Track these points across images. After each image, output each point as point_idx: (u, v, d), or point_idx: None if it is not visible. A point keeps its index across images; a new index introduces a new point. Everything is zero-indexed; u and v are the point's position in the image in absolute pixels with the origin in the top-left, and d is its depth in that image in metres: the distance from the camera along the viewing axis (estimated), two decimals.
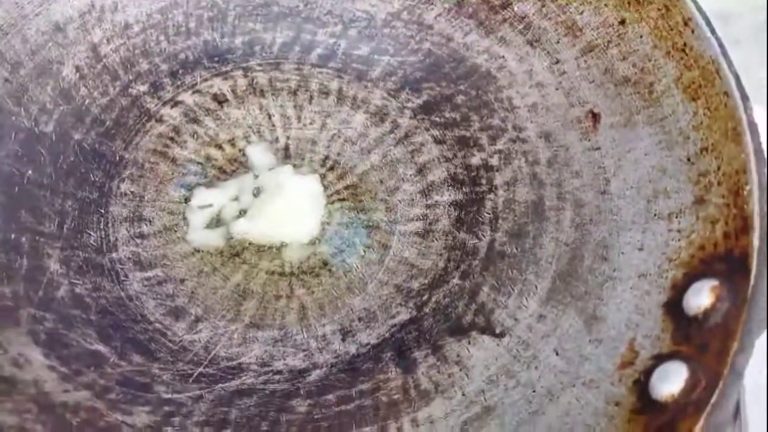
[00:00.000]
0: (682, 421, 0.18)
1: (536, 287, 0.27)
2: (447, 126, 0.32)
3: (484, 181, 0.31)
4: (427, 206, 0.31)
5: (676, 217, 0.24)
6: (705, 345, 0.20)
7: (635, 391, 0.21)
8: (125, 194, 0.29)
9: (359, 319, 0.28)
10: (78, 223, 0.28)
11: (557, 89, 0.31)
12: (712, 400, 0.18)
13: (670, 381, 0.19)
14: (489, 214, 0.30)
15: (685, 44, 0.26)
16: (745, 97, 0.24)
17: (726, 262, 0.21)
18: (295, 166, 0.31)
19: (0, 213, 0.27)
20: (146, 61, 0.32)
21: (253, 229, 0.29)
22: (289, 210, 0.29)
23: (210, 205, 0.29)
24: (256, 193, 0.30)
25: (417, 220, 0.30)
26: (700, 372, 0.19)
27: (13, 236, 0.26)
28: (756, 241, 0.21)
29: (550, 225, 0.28)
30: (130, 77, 0.31)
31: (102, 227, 0.28)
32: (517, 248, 0.28)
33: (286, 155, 0.31)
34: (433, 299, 0.28)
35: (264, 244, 0.29)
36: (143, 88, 0.31)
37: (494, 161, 0.31)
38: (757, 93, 0.47)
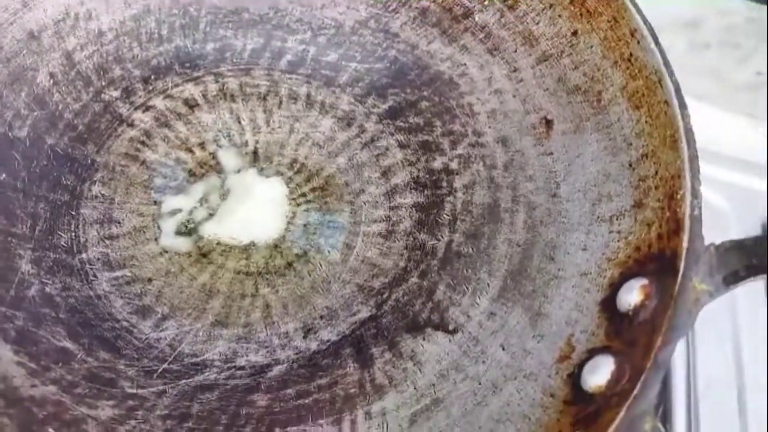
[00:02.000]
0: (606, 411, 0.19)
1: (489, 286, 0.28)
2: (411, 131, 0.33)
3: (444, 184, 0.32)
4: (391, 208, 0.32)
5: (617, 220, 0.25)
6: (633, 340, 0.21)
7: (569, 383, 0.22)
8: (96, 197, 0.30)
9: (321, 317, 0.29)
10: (49, 225, 0.29)
11: (514, 96, 0.32)
12: (635, 392, 0.19)
13: (599, 374, 0.21)
14: (448, 216, 0.31)
15: (631, 54, 0.28)
16: (683, 106, 0.25)
17: (657, 262, 0.23)
18: (262, 169, 0.32)
19: None
20: (119, 67, 0.33)
21: (221, 230, 0.30)
22: (254, 211, 0.30)
23: (180, 210, 0.31)
24: (224, 196, 0.31)
25: (380, 221, 0.31)
26: (626, 365, 0.20)
27: None
28: (685, 243, 0.22)
29: (504, 226, 0.30)
30: (103, 83, 0.32)
31: (73, 229, 0.29)
32: (472, 248, 0.30)
33: (254, 158, 0.32)
34: (393, 297, 0.29)
35: (232, 244, 0.30)
36: (116, 93, 0.32)
37: (454, 165, 0.32)
38: (728, 96, 0.48)
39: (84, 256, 0.29)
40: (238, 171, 0.32)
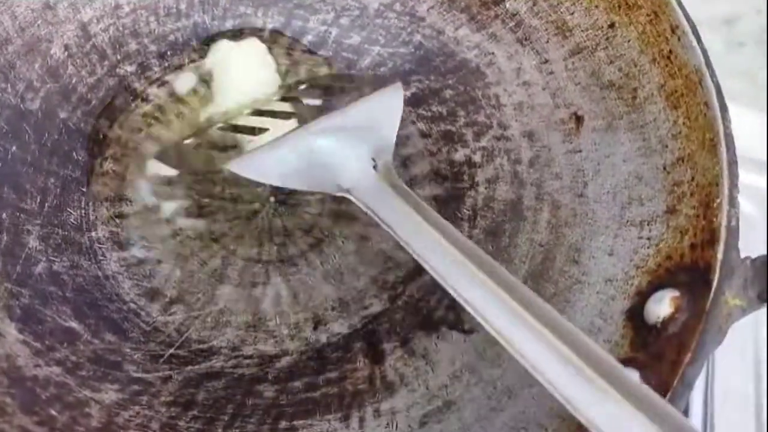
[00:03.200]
0: None
1: None
2: (433, 120, 0.32)
3: (466, 177, 0.31)
4: None
5: (648, 225, 0.24)
6: (660, 354, 0.20)
7: None
8: (107, 173, 0.29)
9: (332, 309, 0.28)
10: (59, 201, 0.28)
11: (544, 89, 0.31)
12: None
13: None
14: (468, 210, 0.30)
15: (670, 52, 0.26)
16: (724, 108, 0.24)
17: (689, 274, 0.21)
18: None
19: None
20: (135, 42, 0.32)
21: (224, 105, 0.31)
22: (244, 72, 0.31)
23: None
24: (209, 78, 0.32)
25: None
26: (652, 380, 0.19)
27: None
28: (720, 255, 0.21)
29: (526, 225, 0.29)
30: (119, 57, 0.31)
31: (83, 206, 0.28)
32: (492, 246, 0.29)
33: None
34: (407, 292, 0.28)
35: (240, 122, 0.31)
36: (131, 68, 0.31)
37: (477, 158, 0.31)
38: (760, 96, 0.46)
39: (93, 234, 0.28)
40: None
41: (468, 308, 0.21)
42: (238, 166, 0.26)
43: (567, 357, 0.18)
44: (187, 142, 0.30)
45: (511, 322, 0.19)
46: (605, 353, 0.18)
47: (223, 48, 0.32)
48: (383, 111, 0.28)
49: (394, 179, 0.25)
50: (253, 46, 0.32)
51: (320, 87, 0.32)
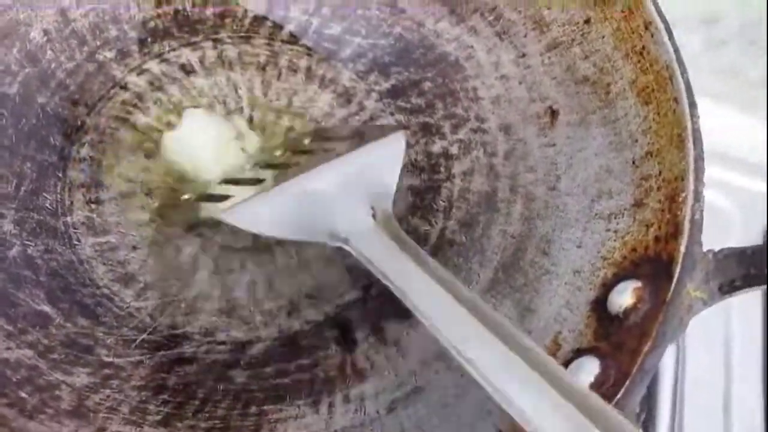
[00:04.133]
0: None
1: (479, 276, 0.27)
2: (412, 112, 0.33)
3: (442, 169, 0.31)
4: None
5: (615, 218, 0.25)
6: (621, 343, 0.20)
7: None
8: (84, 159, 0.29)
9: (307, 297, 0.28)
10: (35, 185, 0.28)
11: (521, 83, 0.31)
12: (618, 397, 0.19)
13: (582, 375, 0.20)
14: (444, 202, 0.30)
15: (643, 48, 0.27)
16: (692, 105, 0.24)
17: (653, 265, 0.22)
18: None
19: None
20: (115, 28, 0.32)
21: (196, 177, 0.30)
22: (211, 150, 0.30)
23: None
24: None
25: None
26: (611, 369, 0.20)
27: None
28: (683, 248, 0.21)
29: (500, 216, 0.29)
30: (98, 43, 0.31)
31: (59, 191, 0.29)
32: (466, 237, 0.29)
33: (249, 128, 0.32)
34: (381, 281, 0.29)
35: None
36: (110, 54, 0.31)
37: (454, 150, 0.31)
38: (742, 94, 0.47)
39: (68, 219, 0.28)
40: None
41: (473, 372, 0.19)
42: (230, 217, 0.25)
43: None
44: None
45: (531, 396, 0.17)
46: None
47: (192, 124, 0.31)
48: (384, 158, 0.27)
49: (394, 228, 0.24)
50: (221, 125, 0.31)
51: (299, 153, 0.29)
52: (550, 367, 0.18)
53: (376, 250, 0.23)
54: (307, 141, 0.30)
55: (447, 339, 0.20)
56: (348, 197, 0.25)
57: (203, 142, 0.30)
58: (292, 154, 0.30)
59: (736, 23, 0.48)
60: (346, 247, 0.24)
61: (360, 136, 0.28)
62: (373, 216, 0.24)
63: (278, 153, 0.30)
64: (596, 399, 0.16)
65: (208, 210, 0.28)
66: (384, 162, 0.27)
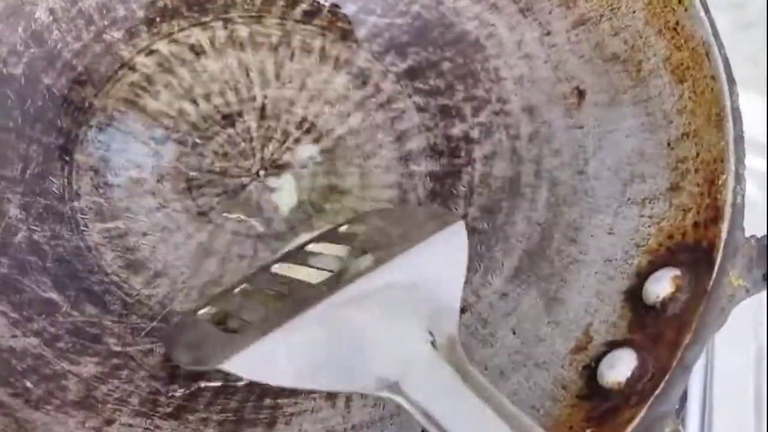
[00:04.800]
0: (624, 409, 0.18)
1: (502, 265, 0.26)
2: (431, 94, 0.31)
3: (463, 154, 0.30)
4: (403, 175, 0.30)
5: (650, 203, 0.23)
6: (659, 335, 0.19)
7: (583, 376, 0.20)
8: (92, 142, 0.28)
9: None
10: (41, 169, 0.27)
11: (545, 62, 0.29)
12: (657, 392, 0.17)
13: (619, 369, 0.19)
14: (464, 187, 0.29)
15: (677, 23, 0.25)
16: (731, 82, 0.23)
17: (692, 253, 0.21)
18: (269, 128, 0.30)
19: None
20: (123, 7, 0.31)
21: None
22: None
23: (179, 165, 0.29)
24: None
25: (391, 188, 0.29)
26: (650, 362, 0.18)
27: None
28: (724, 233, 0.20)
29: (524, 202, 0.28)
30: (106, 23, 0.30)
31: (66, 175, 0.28)
32: (488, 224, 0.28)
33: (262, 115, 0.31)
34: None
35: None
36: (118, 34, 0.30)
37: (475, 133, 0.30)
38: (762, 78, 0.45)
39: (76, 204, 0.27)
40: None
41: None
42: (235, 365, 0.17)
43: None
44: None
45: None
46: None
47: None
48: (442, 263, 0.20)
49: (462, 361, 0.18)
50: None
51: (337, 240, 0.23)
52: None
53: (439, 394, 0.17)
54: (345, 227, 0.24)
55: None
56: (397, 324, 0.19)
57: None
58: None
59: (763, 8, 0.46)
60: (398, 399, 0.18)
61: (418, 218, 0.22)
62: (433, 344, 0.18)
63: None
64: None
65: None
66: (441, 269, 0.20)
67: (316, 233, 0.24)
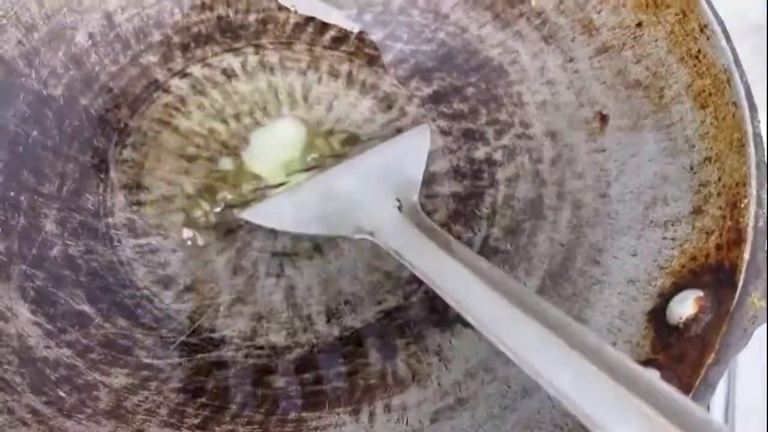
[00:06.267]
0: None
1: (525, 284, 0.26)
2: (454, 117, 0.32)
3: (485, 176, 0.30)
4: (427, 196, 0.30)
5: (672, 225, 0.24)
6: (682, 355, 0.19)
7: None
8: (126, 161, 0.29)
9: (346, 303, 0.28)
10: (77, 186, 0.28)
11: (568, 88, 0.30)
12: None
13: None
14: (487, 209, 0.30)
15: (699, 51, 0.26)
16: (753, 108, 0.23)
17: (714, 274, 0.21)
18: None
19: (3, 171, 0.27)
20: (159, 33, 0.32)
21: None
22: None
23: (209, 183, 0.30)
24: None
25: None
26: (673, 381, 0.19)
27: (12, 194, 0.27)
28: (747, 255, 0.20)
29: (546, 224, 0.28)
30: (142, 47, 0.32)
31: (100, 192, 0.29)
32: (511, 245, 0.28)
33: None
34: (422, 288, 0.28)
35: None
36: (154, 58, 0.32)
37: (498, 156, 0.31)
38: None
39: (110, 220, 0.28)
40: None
41: (514, 358, 0.18)
42: (252, 215, 0.26)
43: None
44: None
45: (573, 374, 0.17)
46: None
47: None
48: (408, 150, 0.27)
49: (421, 219, 0.24)
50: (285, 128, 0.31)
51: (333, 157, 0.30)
52: (592, 342, 0.17)
53: (402, 240, 0.23)
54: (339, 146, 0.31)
55: (481, 323, 0.20)
56: (373, 190, 0.25)
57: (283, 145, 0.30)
58: (326, 159, 0.30)
59: None
60: (372, 239, 0.24)
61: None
62: (399, 207, 0.25)
63: (312, 157, 0.30)
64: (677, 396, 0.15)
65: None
66: (409, 153, 0.27)
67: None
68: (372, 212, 0.25)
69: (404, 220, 0.24)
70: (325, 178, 0.26)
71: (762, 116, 0.29)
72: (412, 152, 0.27)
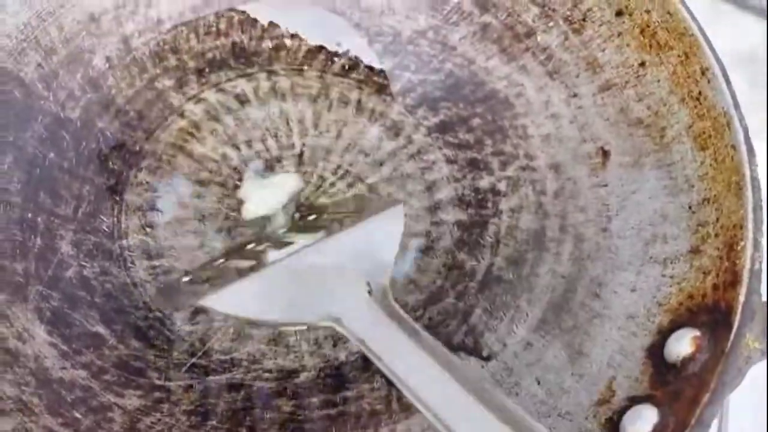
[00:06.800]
0: None
1: (527, 315, 0.27)
2: (460, 147, 0.33)
3: (490, 205, 0.31)
4: (432, 223, 0.31)
5: (671, 263, 0.25)
6: (678, 392, 0.20)
7: (606, 429, 0.21)
8: (141, 184, 0.30)
9: None
10: (93, 208, 0.29)
11: (572, 122, 0.31)
12: None
13: (640, 423, 0.20)
14: (491, 238, 0.30)
15: (700, 93, 0.27)
16: (751, 152, 0.24)
17: (711, 314, 0.22)
18: (304, 173, 0.32)
19: (20, 192, 0.28)
20: (175, 57, 0.33)
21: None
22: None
23: (220, 208, 0.30)
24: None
25: (420, 236, 0.31)
26: (670, 418, 0.19)
27: (30, 215, 0.27)
28: (742, 297, 0.21)
29: (549, 255, 0.29)
30: (158, 71, 0.32)
31: (115, 214, 0.29)
32: (513, 275, 0.29)
33: (300, 161, 0.32)
34: (426, 315, 0.29)
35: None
36: (169, 82, 0.32)
37: (502, 186, 0.31)
38: None
39: (124, 242, 0.29)
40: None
41: None
42: (211, 301, 0.24)
43: None
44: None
45: None
46: None
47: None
48: (382, 232, 0.27)
49: (389, 304, 0.23)
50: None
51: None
52: None
53: (368, 325, 0.22)
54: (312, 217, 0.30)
55: (438, 416, 0.19)
56: (342, 273, 0.25)
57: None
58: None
59: None
60: (337, 326, 0.23)
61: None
62: (369, 291, 0.24)
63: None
64: None
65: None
66: (382, 236, 0.27)
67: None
68: (342, 296, 0.24)
69: (373, 304, 0.23)
70: (294, 260, 0.25)
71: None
72: (386, 234, 0.27)
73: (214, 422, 0.25)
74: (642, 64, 0.29)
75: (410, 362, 0.21)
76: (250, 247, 0.28)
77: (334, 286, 0.24)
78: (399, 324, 0.22)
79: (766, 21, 0.42)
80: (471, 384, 0.19)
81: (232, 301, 0.25)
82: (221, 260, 0.28)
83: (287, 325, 0.27)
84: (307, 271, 0.25)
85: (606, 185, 0.29)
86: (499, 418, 0.18)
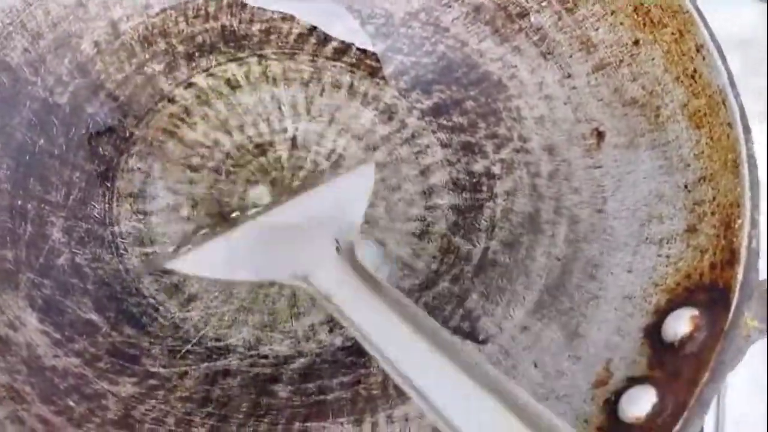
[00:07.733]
0: None
1: (524, 298, 0.27)
2: (454, 130, 0.33)
3: (484, 189, 0.31)
4: (426, 208, 0.31)
5: (667, 243, 0.24)
6: (677, 372, 0.20)
7: (605, 411, 0.21)
8: (132, 170, 0.30)
9: None
10: (84, 194, 0.29)
11: (566, 104, 0.31)
12: (676, 427, 0.18)
13: (639, 404, 0.20)
14: (486, 221, 0.30)
15: (695, 71, 0.26)
16: (747, 130, 0.24)
17: (709, 293, 0.22)
18: (298, 158, 0.31)
19: (9, 179, 0.27)
20: (164, 42, 0.32)
21: None
22: None
23: (212, 193, 0.30)
24: None
25: (415, 220, 0.31)
26: (669, 398, 0.19)
27: (20, 202, 0.27)
28: (740, 276, 0.21)
29: (544, 238, 0.29)
30: (147, 56, 0.32)
31: (107, 201, 0.29)
32: (509, 258, 0.29)
33: (293, 146, 0.32)
34: (422, 300, 0.29)
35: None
36: (158, 67, 0.32)
37: (496, 169, 0.31)
38: None
39: (116, 228, 0.28)
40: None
41: (424, 406, 0.18)
42: (181, 264, 0.25)
43: None
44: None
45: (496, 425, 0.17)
46: None
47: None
48: (351, 191, 0.27)
49: (356, 261, 0.23)
50: None
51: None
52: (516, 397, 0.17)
53: (334, 282, 0.22)
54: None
55: (400, 372, 0.19)
56: (311, 231, 0.24)
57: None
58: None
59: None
60: (305, 285, 0.23)
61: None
62: (337, 249, 0.24)
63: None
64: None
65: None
66: (350, 194, 0.27)
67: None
68: (310, 253, 0.24)
69: (340, 261, 0.23)
70: (263, 220, 0.25)
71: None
72: (354, 192, 0.27)
73: (209, 409, 0.25)
74: (636, 43, 0.29)
75: (375, 319, 0.20)
76: (234, 215, 0.28)
77: (302, 244, 0.24)
78: (365, 281, 0.22)
79: (765, 2, 0.42)
80: (438, 339, 0.19)
81: (199, 262, 0.25)
82: (206, 230, 0.28)
83: (257, 283, 0.26)
84: (275, 231, 0.25)
85: (601, 166, 0.28)
86: (459, 369, 0.18)
